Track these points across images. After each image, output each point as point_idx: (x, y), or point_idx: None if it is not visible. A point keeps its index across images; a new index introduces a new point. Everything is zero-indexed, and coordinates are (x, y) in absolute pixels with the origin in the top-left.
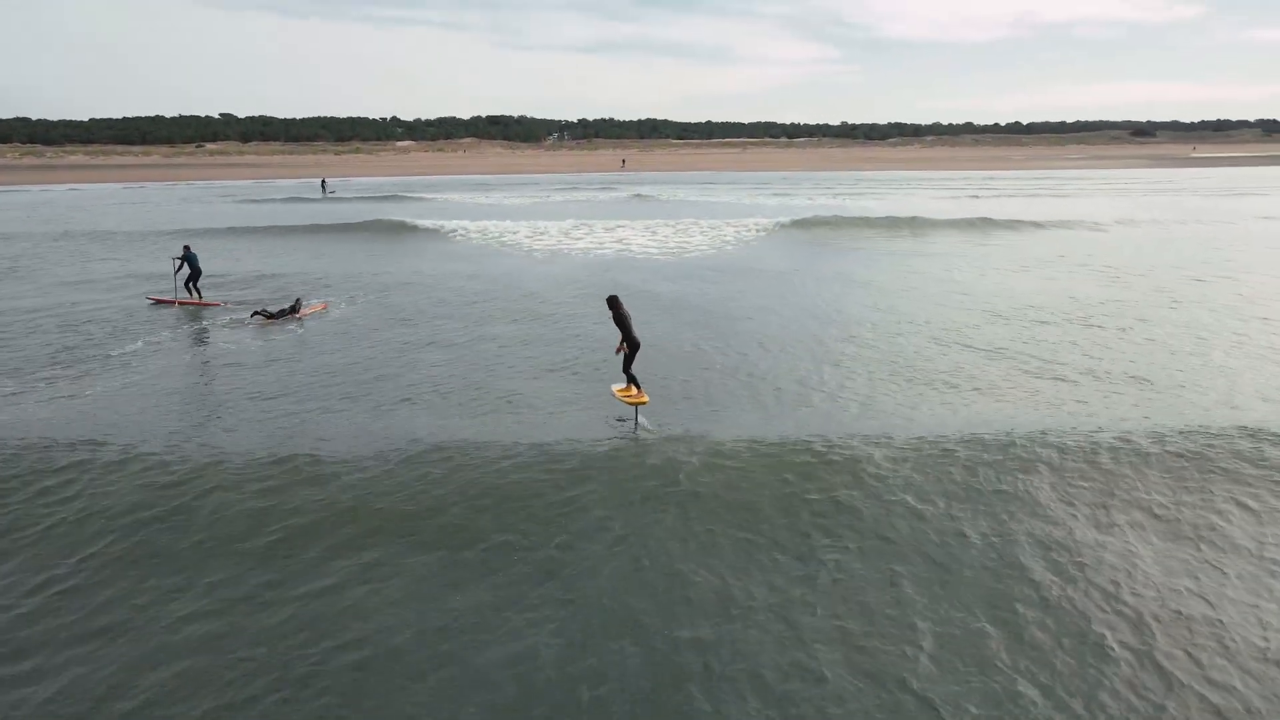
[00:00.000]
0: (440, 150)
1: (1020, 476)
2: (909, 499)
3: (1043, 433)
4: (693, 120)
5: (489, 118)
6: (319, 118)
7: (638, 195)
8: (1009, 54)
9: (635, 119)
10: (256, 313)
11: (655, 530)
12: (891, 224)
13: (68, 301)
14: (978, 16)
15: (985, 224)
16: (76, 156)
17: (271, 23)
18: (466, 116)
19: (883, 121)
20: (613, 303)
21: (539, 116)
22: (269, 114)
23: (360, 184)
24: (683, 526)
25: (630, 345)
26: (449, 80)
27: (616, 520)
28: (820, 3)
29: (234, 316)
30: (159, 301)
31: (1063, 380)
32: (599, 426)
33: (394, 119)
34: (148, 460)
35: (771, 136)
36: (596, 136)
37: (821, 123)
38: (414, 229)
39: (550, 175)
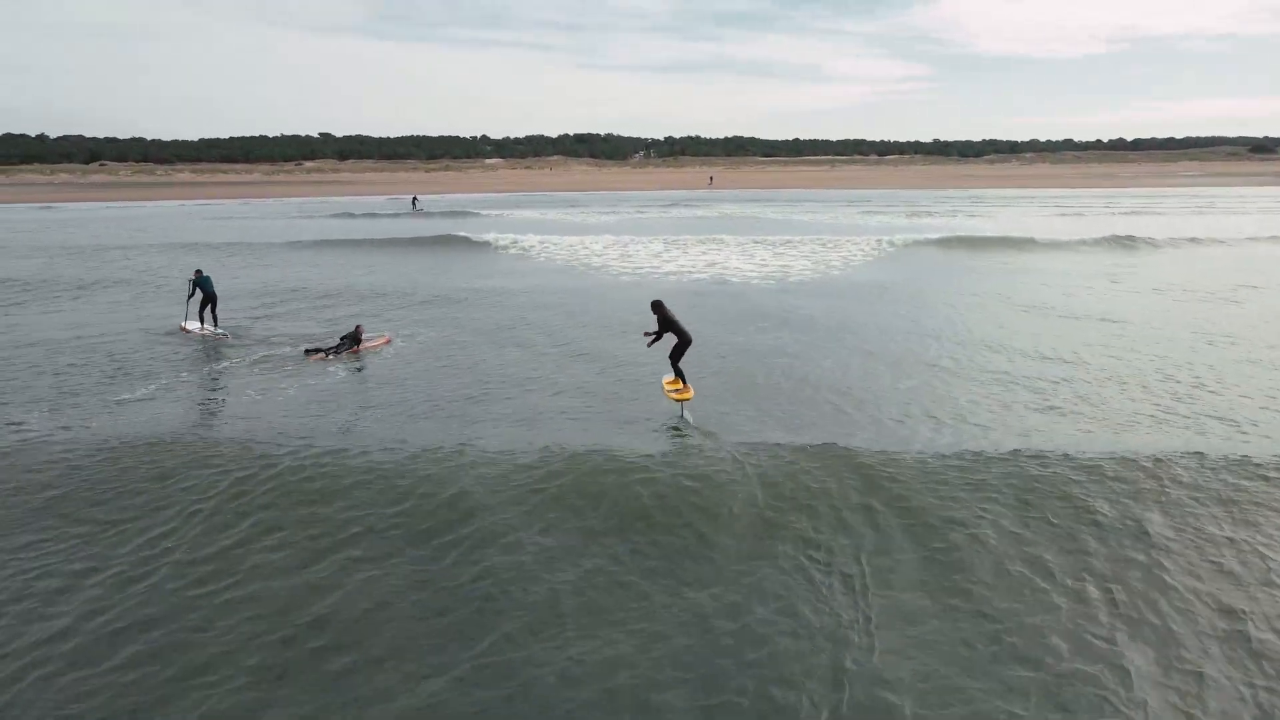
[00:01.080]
0: (528, 168)
1: None
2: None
3: None
4: (780, 138)
5: (576, 136)
6: (411, 136)
7: (726, 214)
8: (1108, 69)
9: (721, 136)
10: (309, 350)
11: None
12: (1022, 244)
13: (98, 325)
14: (1073, 32)
15: (1138, 245)
16: (184, 174)
17: (368, 46)
18: (554, 135)
19: (976, 139)
20: (657, 306)
21: (625, 135)
22: (364, 133)
23: (450, 200)
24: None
25: (681, 341)
26: (535, 99)
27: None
28: (908, 20)
29: (267, 353)
30: (186, 331)
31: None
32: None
33: (483, 137)
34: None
35: (861, 154)
36: (683, 154)
37: (913, 139)
38: (496, 247)
39: (637, 193)
